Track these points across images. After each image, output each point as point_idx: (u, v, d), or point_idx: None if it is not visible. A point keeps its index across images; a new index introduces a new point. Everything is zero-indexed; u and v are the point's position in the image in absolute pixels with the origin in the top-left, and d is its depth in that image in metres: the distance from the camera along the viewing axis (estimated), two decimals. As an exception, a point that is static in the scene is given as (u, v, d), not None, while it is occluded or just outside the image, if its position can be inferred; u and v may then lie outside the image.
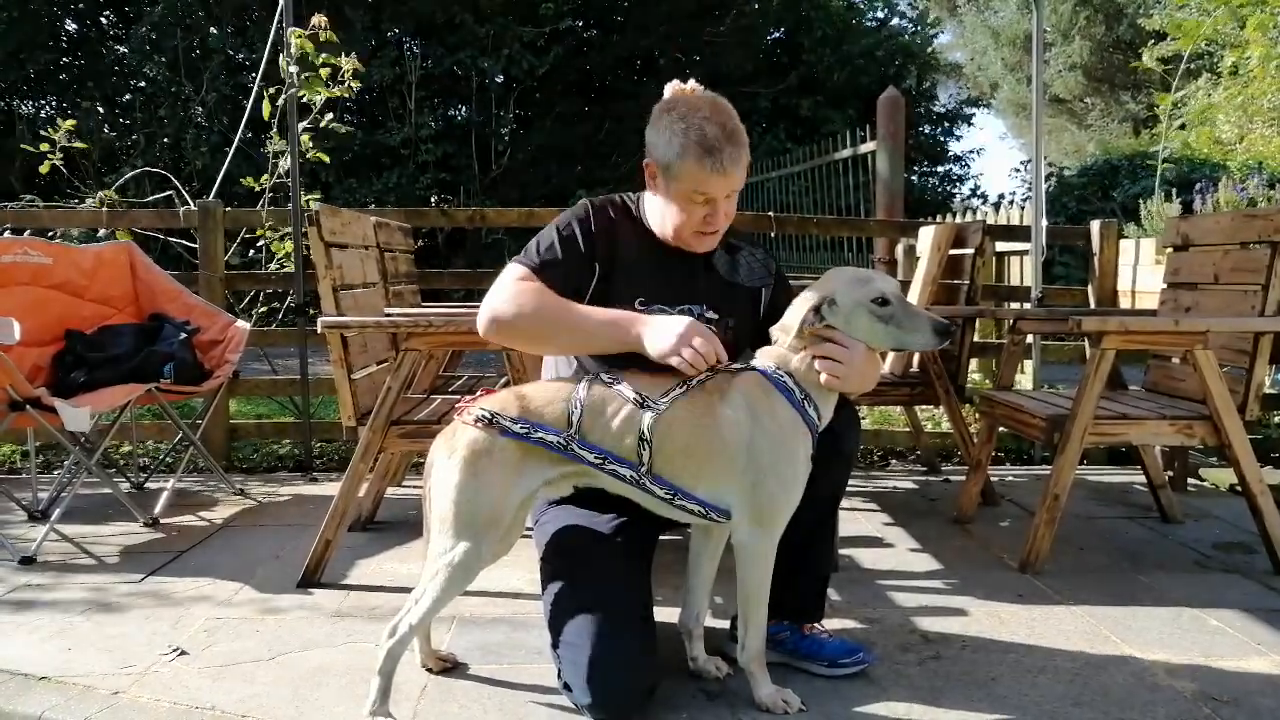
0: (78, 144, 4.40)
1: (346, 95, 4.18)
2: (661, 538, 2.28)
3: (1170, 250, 3.45)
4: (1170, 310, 3.33)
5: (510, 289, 2.02)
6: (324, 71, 4.06)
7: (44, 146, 4.38)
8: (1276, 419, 4.67)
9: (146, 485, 3.84)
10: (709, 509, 1.91)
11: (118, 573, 2.82)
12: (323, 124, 4.20)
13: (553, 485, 1.95)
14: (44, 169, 4.42)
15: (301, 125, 4.11)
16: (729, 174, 1.99)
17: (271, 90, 4.14)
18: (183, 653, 2.23)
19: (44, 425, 3.05)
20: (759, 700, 1.96)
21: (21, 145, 4.77)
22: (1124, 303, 4.35)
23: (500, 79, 12.54)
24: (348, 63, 4.09)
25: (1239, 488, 2.90)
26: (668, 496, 1.89)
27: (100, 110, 12.27)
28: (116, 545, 3.10)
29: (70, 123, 4.43)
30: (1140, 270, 4.34)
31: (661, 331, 1.94)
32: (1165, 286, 3.41)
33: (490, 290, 2.05)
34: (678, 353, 1.90)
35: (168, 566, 2.88)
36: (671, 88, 2.15)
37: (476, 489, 1.85)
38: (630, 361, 1.98)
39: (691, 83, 2.17)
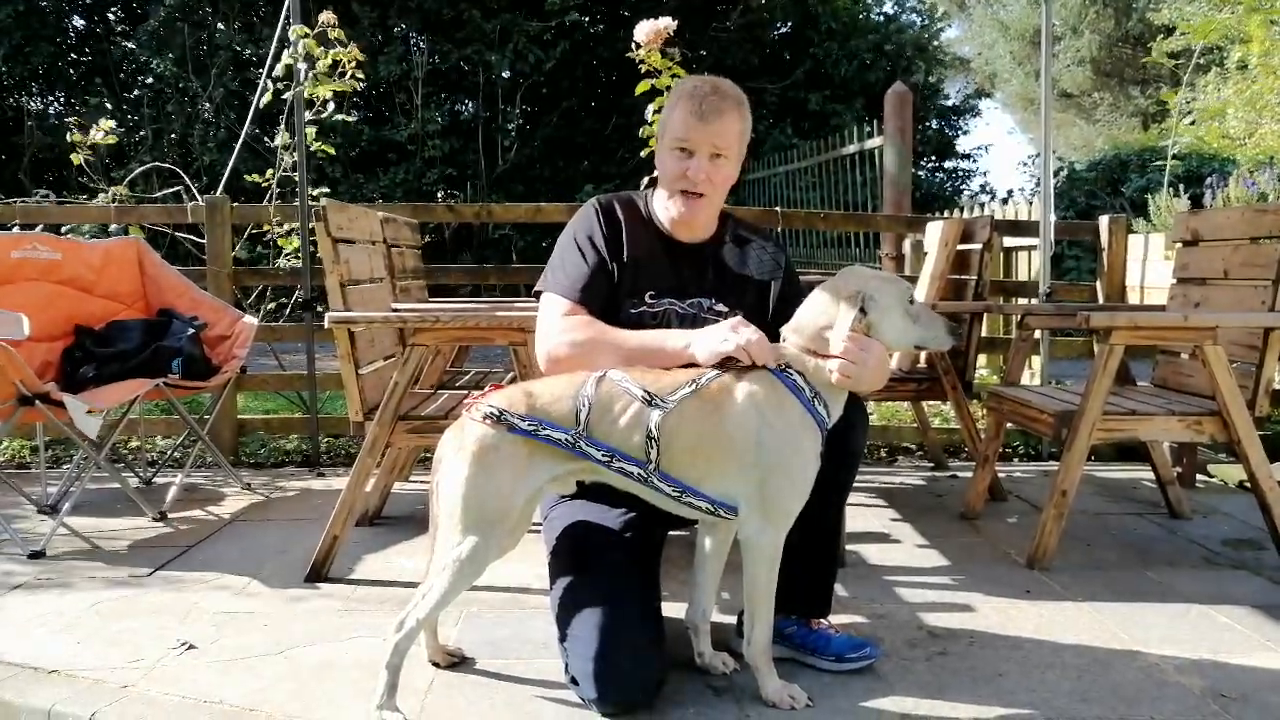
0: (110, 139, 4.38)
1: (351, 90, 4.17)
2: (669, 534, 2.28)
3: (1179, 245, 3.43)
4: (1179, 305, 3.32)
5: (558, 325, 2.07)
6: (324, 64, 4.04)
7: (76, 138, 4.37)
8: (1286, 415, 4.65)
9: (155, 480, 3.85)
10: (717, 506, 1.91)
11: (126, 567, 2.83)
12: (324, 116, 4.19)
13: (560, 481, 1.96)
14: (75, 160, 4.40)
15: (307, 117, 4.11)
16: (709, 122, 2.04)
17: (279, 85, 4.14)
18: (191, 647, 2.24)
19: (53, 420, 3.06)
20: (766, 695, 1.96)
21: (51, 143, 4.74)
22: (1133, 298, 4.33)
23: (507, 74, 12.53)
24: (348, 53, 4.07)
25: (1248, 484, 2.89)
26: (676, 494, 1.89)
27: (108, 106, 12.29)
28: (125, 540, 3.11)
29: (110, 123, 4.41)
30: (1149, 265, 4.33)
31: (710, 334, 1.96)
32: (1174, 282, 3.40)
33: (539, 328, 2.12)
34: (728, 340, 1.91)
35: (176, 561, 2.89)
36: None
37: (484, 484, 1.85)
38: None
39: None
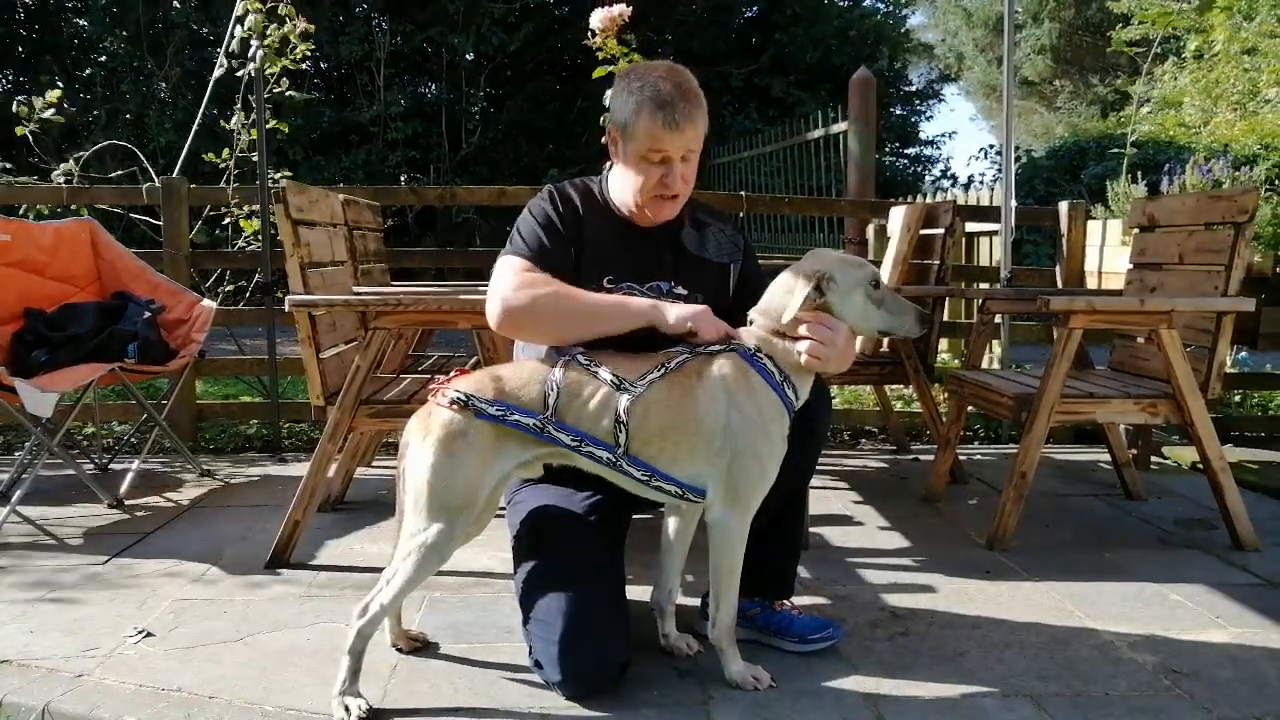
0: (56, 118, 4.26)
1: (301, 60, 4.08)
2: (634, 517, 2.28)
3: (1136, 231, 3.48)
4: (1136, 290, 3.37)
5: (516, 279, 2.01)
6: (271, 42, 3.96)
7: (22, 110, 4.25)
8: (1237, 398, 4.76)
9: (111, 466, 3.78)
10: (686, 489, 1.91)
11: (81, 555, 2.78)
12: (277, 93, 4.11)
13: (527, 466, 1.95)
14: (20, 131, 4.27)
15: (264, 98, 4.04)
16: (683, 130, 1.99)
17: (234, 64, 4.06)
18: (149, 634, 2.21)
19: (4, 405, 2.99)
20: (730, 677, 1.98)
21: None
22: (1091, 283, 4.39)
23: (471, 56, 12.41)
24: (295, 27, 3.97)
25: (1200, 465, 2.96)
26: (644, 478, 1.89)
27: (59, 84, 11.99)
28: (80, 527, 3.05)
29: (55, 94, 4.29)
30: (1107, 251, 4.39)
31: (679, 306, 1.97)
32: (1131, 267, 3.45)
33: (494, 283, 2.04)
34: (697, 319, 1.94)
35: (133, 548, 2.85)
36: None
37: (451, 470, 1.83)
38: (605, 345, 1.97)
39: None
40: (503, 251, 2.11)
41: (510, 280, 2.01)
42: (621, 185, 2.11)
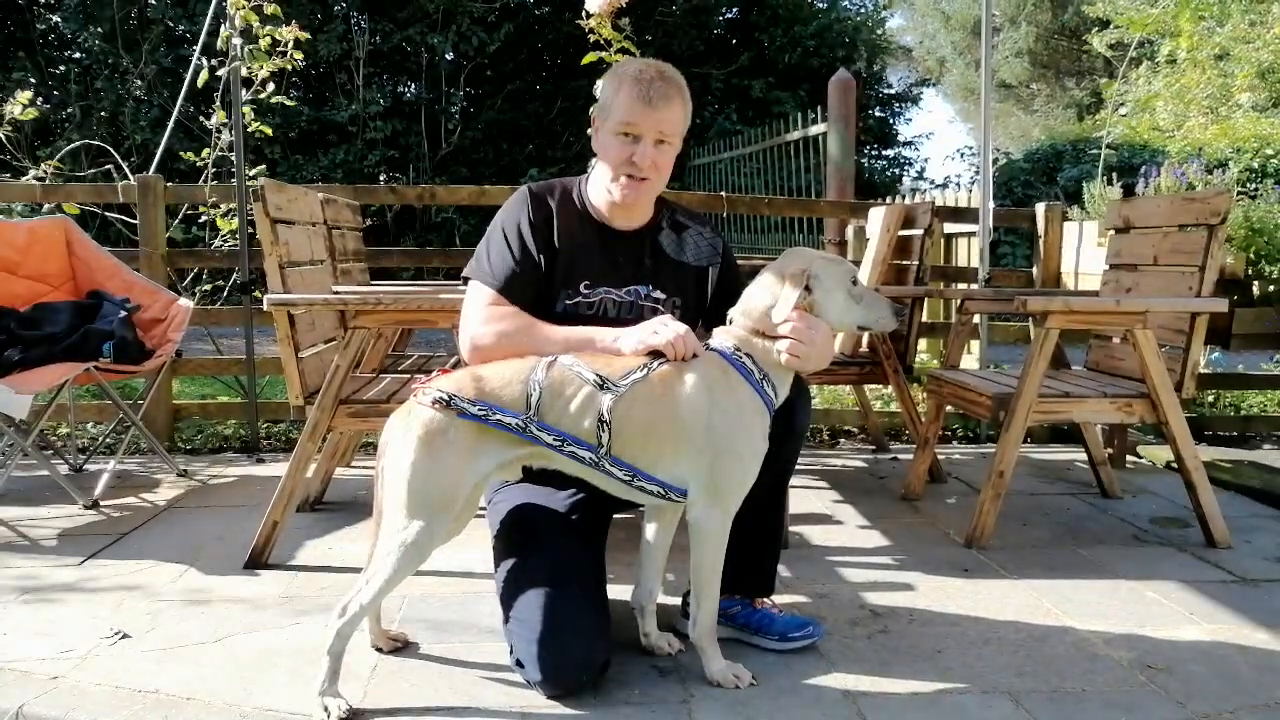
0: (31, 113, 4.20)
1: (291, 66, 4.07)
2: (615, 516, 2.28)
3: (1112, 232, 3.52)
4: (1112, 291, 3.41)
5: (483, 315, 2.05)
6: (265, 42, 3.94)
7: None
8: (1210, 398, 4.82)
9: (86, 467, 3.74)
10: (667, 489, 1.91)
11: (56, 556, 2.75)
12: (263, 96, 4.08)
13: (507, 467, 1.94)
14: None
15: (244, 97, 4.00)
16: (656, 108, 2.02)
17: (213, 62, 4.02)
18: (125, 636, 2.19)
19: (-24, 405, 2.95)
20: (710, 675, 1.98)
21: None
22: (1067, 284, 4.43)
23: (450, 55, 12.36)
24: (289, 32, 3.97)
25: (1175, 464, 2.99)
26: (627, 478, 1.89)
27: (32, 81, 11.84)
28: (54, 528, 3.02)
29: (27, 95, 4.23)
30: (1083, 252, 4.43)
31: (637, 328, 1.97)
32: (1107, 268, 3.49)
33: (463, 316, 2.08)
34: (654, 333, 1.92)
35: (109, 549, 2.82)
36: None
37: (431, 469, 1.83)
38: None
39: None
40: (473, 273, 2.12)
41: (479, 315, 2.05)
42: (598, 176, 2.13)
